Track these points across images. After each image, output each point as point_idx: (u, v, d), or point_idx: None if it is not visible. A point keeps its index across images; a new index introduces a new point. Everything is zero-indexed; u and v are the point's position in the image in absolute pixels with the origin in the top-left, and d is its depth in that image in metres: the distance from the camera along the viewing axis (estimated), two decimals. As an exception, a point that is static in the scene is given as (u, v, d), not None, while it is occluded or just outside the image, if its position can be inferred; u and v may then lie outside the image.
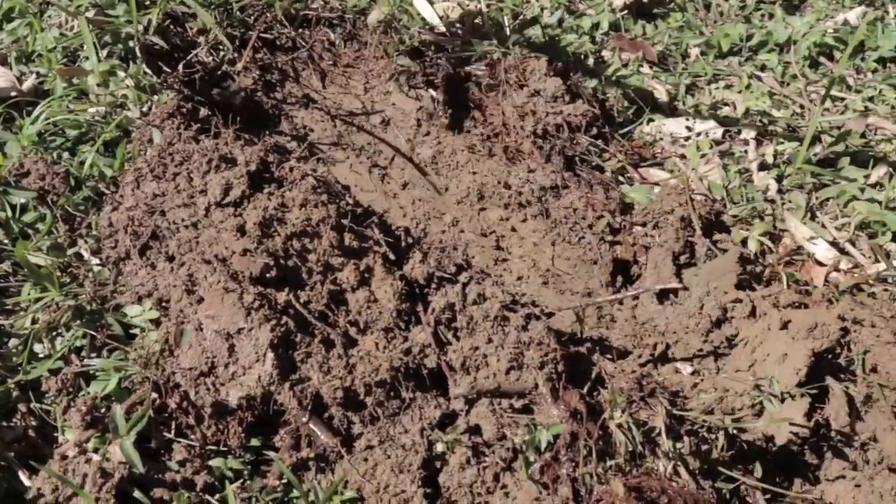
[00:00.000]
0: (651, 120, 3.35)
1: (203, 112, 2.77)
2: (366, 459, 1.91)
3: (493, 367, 2.02)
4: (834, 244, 2.80)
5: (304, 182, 2.34)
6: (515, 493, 1.85)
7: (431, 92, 3.27)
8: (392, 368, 1.99)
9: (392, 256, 2.30)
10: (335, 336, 2.02)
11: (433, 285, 2.26)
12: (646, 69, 3.62)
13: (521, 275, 2.72)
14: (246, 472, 1.92)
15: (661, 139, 3.27)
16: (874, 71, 3.72)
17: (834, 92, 3.52)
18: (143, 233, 2.24)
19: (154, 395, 1.91)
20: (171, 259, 2.20)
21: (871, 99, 3.51)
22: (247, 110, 3.08)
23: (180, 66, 2.94)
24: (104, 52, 2.84)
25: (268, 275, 2.09)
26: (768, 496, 2.12)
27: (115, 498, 1.74)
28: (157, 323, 2.10)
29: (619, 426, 1.93)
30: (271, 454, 1.92)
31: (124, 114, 2.63)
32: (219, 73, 3.10)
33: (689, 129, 3.29)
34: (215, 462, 1.90)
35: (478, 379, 2.01)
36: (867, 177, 3.03)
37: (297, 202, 2.25)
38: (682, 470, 1.94)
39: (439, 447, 1.92)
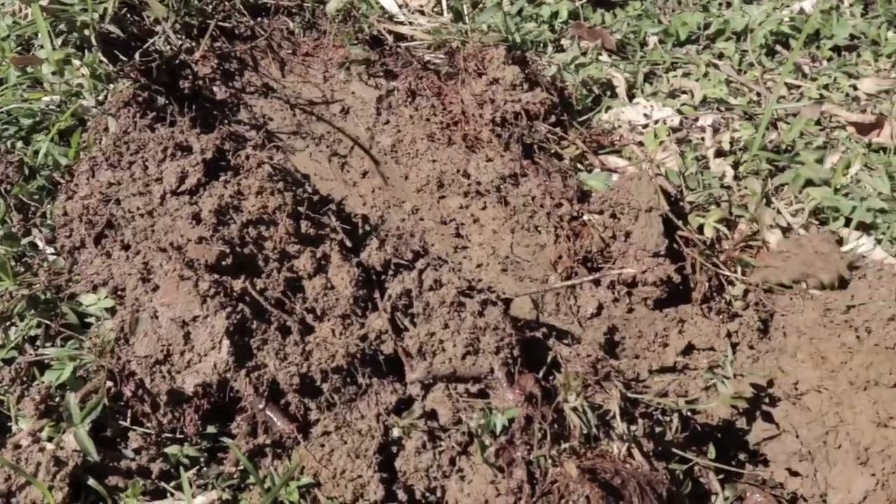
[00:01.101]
0: (609, 108, 3.38)
1: (160, 101, 2.76)
2: (322, 445, 1.91)
3: (449, 352, 2.04)
4: (788, 229, 2.84)
5: (261, 170, 2.33)
6: (471, 477, 1.87)
7: (391, 81, 3.27)
8: (348, 354, 1.99)
9: (349, 244, 2.30)
10: (292, 323, 2.03)
11: (390, 272, 2.27)
12: (604, 57, 3.64)
13: (480, 262, 2.74)
14: (202, 460, 1.92)
15: (620, 127, 3.29)
16: (829, 59, 3.77)
17: (790, 80, 3.56)
18: (98, 221, 2.23)
19: (109, 383, 1.91)
20: (126, 247, 2.19)
21: (825, 87, 3.55)
22: (205, 99, 3.07)
23: (137, 55, 2.92)
24: (59, 41, 2.81)
25: (224, 262, 2.09)
26: (721, 477, 2.15)
27: (68, 486, 1.74)
28: (112, 311, 2.10)
29: (574, 409, 1.94)
30: (228, 441, 1.92)
31: (79, 102, 2.61)
32: (176, 62, 3.08)
33: (647, 116, 3.31)
34: (171, 449, 1.90)
35: (434, 364, 2.02)
36: (820, 161, 3.07)
37: (254, 190, 2.25)
38: (636, 452, 1.96)
39: (395, 432, 1.93)
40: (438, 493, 1.90)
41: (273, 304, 2.06)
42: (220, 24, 3.30)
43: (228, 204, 2.21)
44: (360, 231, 2.44)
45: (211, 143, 2.37)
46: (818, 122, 3.32)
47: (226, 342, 1.93)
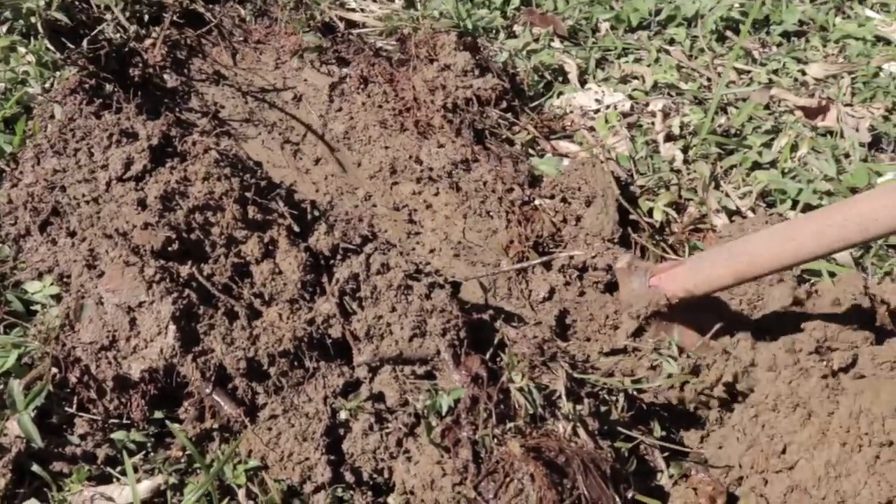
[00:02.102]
0: (561, 93, 3.40)
1: (107, 88, 2.74)
2: (270, 429, 1.92)
3: (396, 335, 2.05)
4: (736, 212, 2.88)
5: (207, 156, 2.32)
6: (418, 458, 1.88)
7: (343, 68, 3.27)
8: (296, 338, 1.99)
9: (297, 229, 2.30)
10: (239, 308, 2.03)
11: (338, 256, 2.27)
12: (556, 43, 3.67)
13: (433, 247, 2.75)
14: (149, 445, 1.91)
15: (571, 112, 3.32)
16: (778, 45, 3.82)
17: (739, 65, 3.60)
18: (43, 209, 2.22)
19: (54, 370, 1.89)
20: (72, 234, 2.18)
21: (775, 72, 3.60)
22: (155, 87, 3.05)
23: (84, 43, 2.89)
24: (4, 28, 2.78)
25: (170, 248, 2.08)
26: (666, 454, 2.18)
27: (11, 472, 1.73)
28: (58, 299, 2.08)
29: (520, 389, 1.96)
30: (173, 426, 1.92)
31: (25, 90, 2.59)
32: (126, 49, 3.06)
33: (598, 101, 3.34)
34: (117, 435, 1.89)
35: (381, 347, 2.03)
36: (768, 145, 3.12)
37: (200, 176, 2.24)
38: (581, 430, 1.98)
39: (343, 415, 1.94)
40: (386, 474, 1.91)
41: (220, 289, 2.06)
42: (174, 13, 3.27)
43: (175, 190, 2.20)
44: (309, 216, 2.44)
45: (157, 129, 2.36)
46: (767, 107, 3.37)
47: (172, 327, 1.92)
